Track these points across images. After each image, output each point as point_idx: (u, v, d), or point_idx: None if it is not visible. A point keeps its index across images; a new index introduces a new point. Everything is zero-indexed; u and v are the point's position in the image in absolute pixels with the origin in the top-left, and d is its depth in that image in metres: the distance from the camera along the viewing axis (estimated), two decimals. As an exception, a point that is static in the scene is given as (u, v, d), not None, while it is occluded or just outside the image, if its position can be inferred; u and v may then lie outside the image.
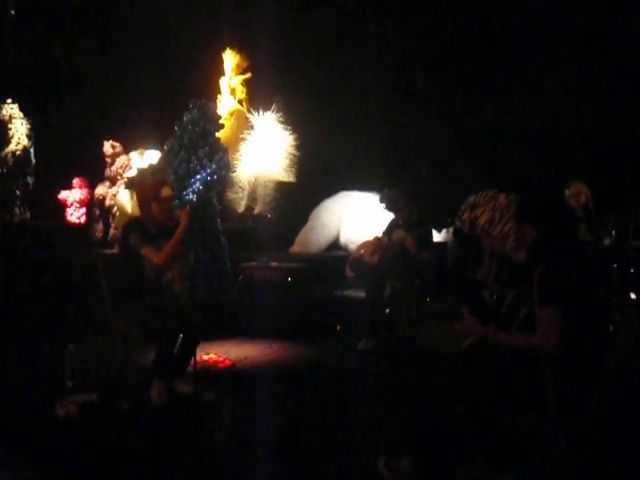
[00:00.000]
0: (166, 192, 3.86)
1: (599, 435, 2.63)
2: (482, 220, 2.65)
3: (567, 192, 5.41)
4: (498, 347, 2.55)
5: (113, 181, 8.46)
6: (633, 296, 4.80)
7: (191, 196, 5.87)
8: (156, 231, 3.87)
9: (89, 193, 8.81)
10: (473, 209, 2.67)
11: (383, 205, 5.44)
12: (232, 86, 9.14)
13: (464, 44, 7.96)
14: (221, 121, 6.68)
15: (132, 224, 3.96)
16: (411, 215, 5.24)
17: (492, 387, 2.52)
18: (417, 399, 3.25)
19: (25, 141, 8.11)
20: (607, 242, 5.12)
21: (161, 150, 6.87)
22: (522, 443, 2.60)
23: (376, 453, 2.81)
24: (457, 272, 6.19)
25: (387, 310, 4.97)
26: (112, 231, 8.26)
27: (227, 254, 6.23)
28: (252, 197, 7.43)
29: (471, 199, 2.73)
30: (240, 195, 7.34)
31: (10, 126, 8.02)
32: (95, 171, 8.77)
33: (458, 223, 2.76)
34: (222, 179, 6.25)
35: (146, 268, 3.82)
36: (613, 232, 5.18)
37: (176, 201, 5.66)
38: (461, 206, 2.76)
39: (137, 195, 4.08)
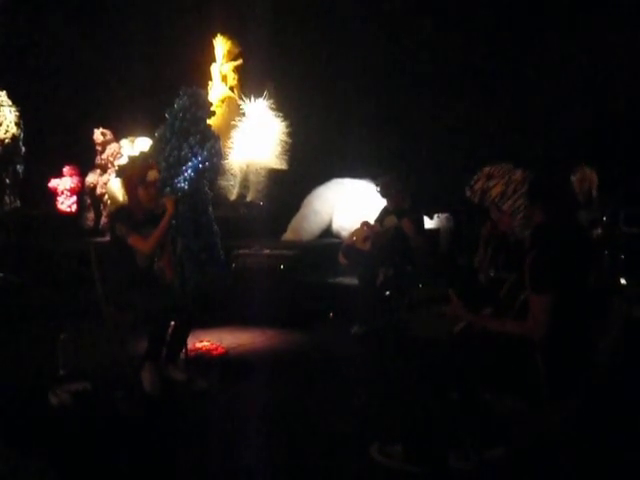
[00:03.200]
0: (152, 176, 3.78)
1: (588, 420, 2.66)
2: (494, 192, 2.61)
3: (573, 177, 5.34)
4: (485, 332, 2.56)
5: (104, 169, 8.40)
6: (623, 281, 4.84)
7: (182, 184, 5.84)
8: (144, 219, 3.82)
9: (80, 181, 8.74)
10: (487, 180, 2.64)
11: (378, 191, 5.46)
12: (223, 73, 9.07)
13: (461, 26, 7.91)
14: (212, 108, 6.63)
15: (118, 213, 3.92)
16: (403, 201, 5.24)
17: (484, 372, 2.54)
18: (409, 384, 3.27)
19: (14, 129, 8.02)
20: (599, 231, 5.13)
21: (152, 138, 6.82)
22: (512, 427, 2.63)
23: (369, 439, 2.83)
24: (450, 258, 6.22)
25: (387, 293, 4.99)
26: (103, 219, 8.22)
27: (219, 242, 6.22)
28: (244, 184, 7.41)
29: (486, 169, 2.70)
30: (232, 182, 7.32)
31: (-2, 113, 7.93)
32: (86, 159, 8.70)
33: (468, 192, 2.72)
34: (214, 166, 6.22)
35: (137, 257, 3.80)
36: (604, 218, 5.20)
37: (167, 189, 5.65)
38: (474, 177, 2.73)
39: (124, 182, 4.00)
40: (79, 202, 8.73)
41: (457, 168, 6.50)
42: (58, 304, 5.59)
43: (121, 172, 6.68)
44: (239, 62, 9.04)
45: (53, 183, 8.75)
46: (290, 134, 7.33)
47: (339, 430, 3.11)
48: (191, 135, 6.07)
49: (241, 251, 5.95)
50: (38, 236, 7.76)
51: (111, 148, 8.36)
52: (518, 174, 2.65)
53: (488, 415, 2.60)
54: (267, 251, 5.91)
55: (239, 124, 7.47)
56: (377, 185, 5.46)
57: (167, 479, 2.75)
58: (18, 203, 8.30)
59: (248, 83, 8.63)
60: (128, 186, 3.88)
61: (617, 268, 4.98)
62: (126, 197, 3.98)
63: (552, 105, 7.32)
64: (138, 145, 7.89)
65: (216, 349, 4.59)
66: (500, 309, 2.70)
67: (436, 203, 5.95)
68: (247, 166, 7.32)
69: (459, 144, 7.52)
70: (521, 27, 7.57)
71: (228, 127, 7.72)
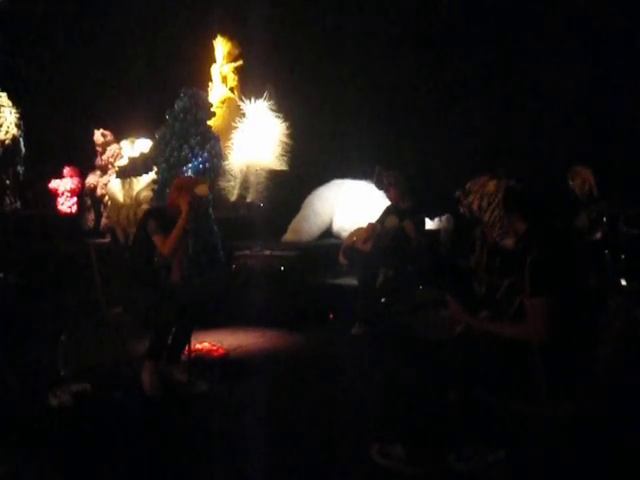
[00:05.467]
0: (202, 190, 3.89)
1: (587, 420, 2.66)
2: (474, 206, 2.70)
3: (571, 182, 5.35)
4: (485, 333, 2.57)
5: (104, 170, 8.41)
6: (624, 282, 4.85)
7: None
8: (173, 220, 3.88)
9: (80, 182, 8.75)
10: (466, 196, 2.70)
11: (374, 182, 5.48)
12: (223, 74, 9.09)
13: (459, 26, 7.92)
14: (212, 109, 6.65)
15: (154, 210, 4.06)
16: (402, 200, 5.23)
17: (484, 373, 2.55)
18: (409, 385, 3.27)
19: (14, 130, 8.05)
20: (599, 235, 5.13)
21: (152, 139, 6.83)
22: (512, 427, 2.63)
23: (369, 439, 2.83)
24: (450, 259, 6.21)
25: (383, 299, 4.99)
26: (103, 220, 8.22)
27: (220, 243, 6.22)
28: (244, 185, 7.40)
29: (467, 186, 2.75)
30: (232, 183, 7.31)
31: (-1, 115, 7.95)
32: (86, 160, 8.71)
33: (461, 208, 2.79)
34: (214, 167, 6.23)
35: (156, 256, 3.84)
36: (604, 219, 5.20)
37: (167, 189, 5.66)
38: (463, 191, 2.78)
39: (175, 183, 4.08)
40: (79, 203, 8.74)
41: (457, 169, 6.51)
42: (58, 305, 5.59)
43: (123, 174, 6.71)
44: (239, 63, 9.06)
45: (53, 184, 8.77)
46: (290, 135, 7.33)
47: (339, 430, 3.11)
48: (191, 136, 6.09)
49: (241, 252, 5.96)
50: (38, 237, 7.76)
51: (111, 149, 8.37)
52: (491, 186, 2.69)
53: (488, 416, 2.60)
54: (267, 252, 5.91)
55: (239, 125, 7.47)
56: (374, 176, 5.46)
57: (167, 480, 2.75)
58: (18, 204, 8.32)
59: (248, 84, 8.65)
60: (175, 189, 3.96)
61: (617, 269, 4.98)
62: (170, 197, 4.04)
63: (551, 106, 7.32)
64: (138, 146, 7.90)
65: (217, 350, 4.59)
66: (497, 312, 2.71)
67: (436, 204, 5.95)
68: (247, 167, 7.31)
69: (459, 145, 7.52)
70: (519, 29, 7.58)
71: (228, 128, 7.72)
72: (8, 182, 8.10)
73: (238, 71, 9.10)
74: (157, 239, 3.78)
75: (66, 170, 8.77)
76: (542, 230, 2.60)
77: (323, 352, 4.67)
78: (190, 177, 4.06)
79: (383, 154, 7.58)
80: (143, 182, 7.09)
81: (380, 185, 5.36)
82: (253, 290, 5.57)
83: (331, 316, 5.66)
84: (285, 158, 7.32)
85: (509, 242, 2.66)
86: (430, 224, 6.57)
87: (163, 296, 3.78)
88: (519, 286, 2.52)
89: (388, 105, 8.40)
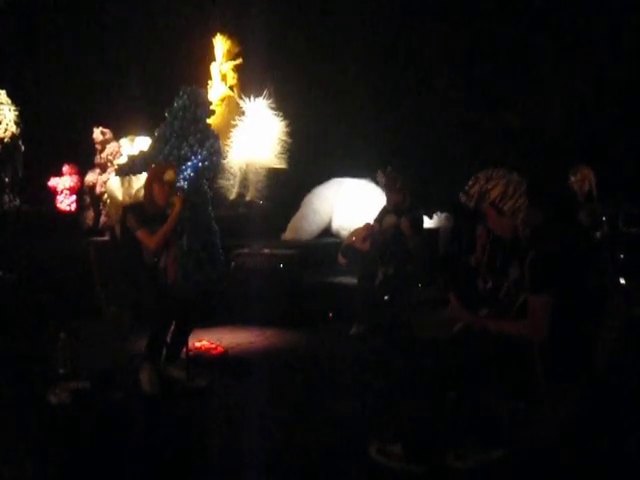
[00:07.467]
0: (168, 175, 3.87)
1: (587, 420, 2.66)
2: (494, 193, 2.62)
3: (572, 177, 5.34)
4: (484, 332, 2.57)
5: (103, 168, 8.38)
6: (623, 281, 4.85)
7: (182, 183, 5.84)
8: (154, 216, 3.86)
9: (79, 180, 8.73)
10: (486, 182, 2.64)
11: (381, 183, 5.43)
12: (223, 72, 9.07)
13: (459, 25, 7.92)
14: (212, 107, 6.63)
15: (132, 206, 3.99)
16: (404, 199, 5.22)
17: (483, 372, 2.55)
18: (409, 384, 3.27)
19: (13, 128, 8.02)
20: (598, 234, 5.13)
21: (151, 137, 6.82)
22: (512, 427, 2.63)
23: (369, 438, 2.83)
24: (450, 257, 6.22)
25: (385, 297, 4.99)
26: (103, 218, 8.20)
27: (219, 241, 6.22)
28: (243, 184, 7.41)
29: (482, 174, 2.70)
30: (231, 182, 7.32)
31: (-3, 112, 7.93)
32: (85, 158, 8.69)
33: (463, 198, 2.71)
34: (213, 166, 6.22)
35: (144, 253, 3.82)
36: (604, 218, 5.21)
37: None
38: (468, 182, 2.72)
39: (147, 177, 4.09)
40: (78, 201, 8.71)
41: (457, 167, 6.51)
42: (58, 303, 5.58)
43: (122, 172, 6.69)
44: (239, 61, 9.05)
45: (52, 182, 8.74)
46: (290, 133, 7.33)
47: (339, 430, 3.11)
48: (191, 134, 6.07)
49: (240, 250, 5.94)
50: (37, 235, 7.75)
51: (111, 147, 8.34)
52: (515, 175, 2.66)
53: (487, 415, 2.60)
54: (266, 251, 5.90)
55: (239, 123, 7.47)
56: (382, 177, 5.37)
57: (166, 478, 2.75)
58: (17, 202, 8.30)
59: (248, 82, 8.64)
60: (146, 181, 3.97)
61: (617, 268, 4.98)
62: (142, 192, 4.05)
63: (551, 105, 7.32)
64: (138, 144, 7.88)
65: (215, 349, 4.59)
66: (499, 310, 2.71)
67: (435, 202, 5.95)
68: (246, 165, 7.32)
69: (459, 143, 7.52)
70: (518, 27, 7.58)
71: (228, 126, 7.73)
72: (7, 180, 8.08)
73: (238, 69, 9.08)
74: (141, 233, 3.75)
75: (65, 168, 8.74)
76: (546, 227, 2.59)
77: (322, 351, 4.67)
78: (158, 165, 4.04)
79: (383, 152, 7.59)
80: (142, 180, 7.06)
81: (390, 186, 5.28)
82: (252, 288, 5.56)
83: (330, 315, 5.66)
84: (284, 156, 7.32)
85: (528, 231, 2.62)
86: (429, 222, 6.56)
87: (159, 295, 3.77)
88: (522, 284, 2.52)
89: (387, 103, 8.39)
